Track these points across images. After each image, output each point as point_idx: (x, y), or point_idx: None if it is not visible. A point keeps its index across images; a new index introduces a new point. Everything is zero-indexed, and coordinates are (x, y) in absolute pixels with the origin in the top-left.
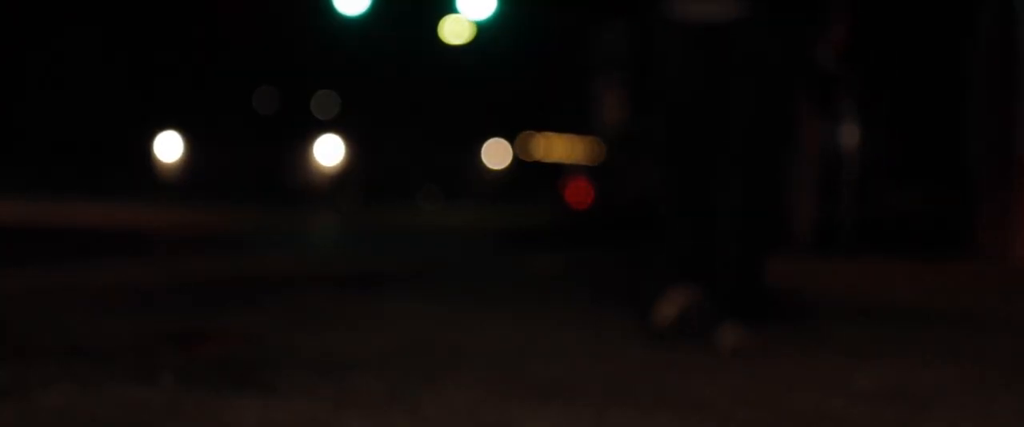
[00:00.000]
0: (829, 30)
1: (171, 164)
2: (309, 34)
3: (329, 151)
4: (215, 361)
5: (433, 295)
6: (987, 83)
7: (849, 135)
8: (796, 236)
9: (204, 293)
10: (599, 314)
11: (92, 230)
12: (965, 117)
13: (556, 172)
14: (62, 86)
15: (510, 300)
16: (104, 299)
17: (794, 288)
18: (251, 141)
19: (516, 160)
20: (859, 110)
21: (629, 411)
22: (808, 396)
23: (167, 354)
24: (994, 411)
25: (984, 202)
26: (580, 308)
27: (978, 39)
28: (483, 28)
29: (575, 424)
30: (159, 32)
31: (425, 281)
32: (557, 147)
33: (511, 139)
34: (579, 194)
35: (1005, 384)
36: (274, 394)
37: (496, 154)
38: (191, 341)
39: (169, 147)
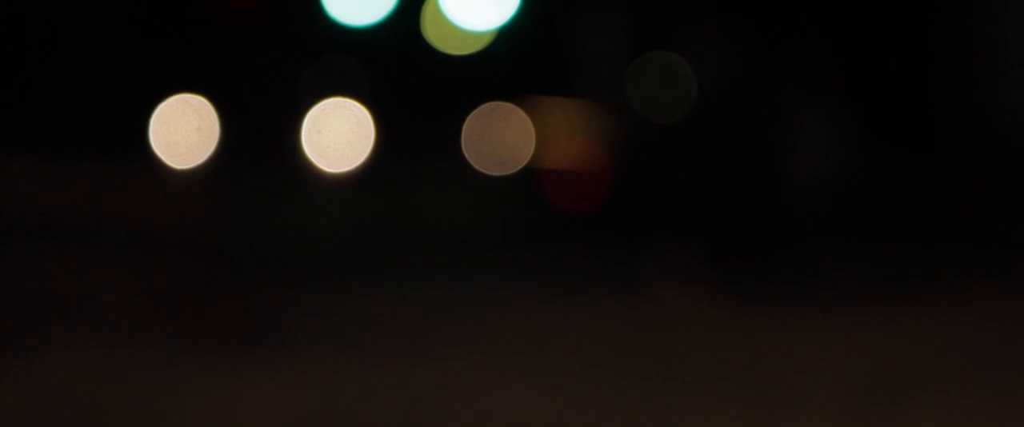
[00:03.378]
0: (809, 50)
1: (180, 150)
2: (314, 34)
3: (339, 133)
4: (227, 338)
5: (440, 280)
6: (962, 67)
7: (838, 129)
8: (796, 219)
9: (214, 279)
10: (604, 287)
11: (102, 218)
12: (946, 101)
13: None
14: (67, 84)
15: (516, 285)
16: (118, 281)
17: (794, 262)
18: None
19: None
20: (846, 106)
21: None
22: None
23: (180, 327)
24: (966, 379)
25: (963, 183)
26: (584, 288)
27: (947, 30)
28: (491, 33)
29: (563, 382)
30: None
31: (431, 267)
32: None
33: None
34: (581, 191)
35: (978, 357)
36: (278, 361)
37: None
38: (204, 321)
39: (179, 135)
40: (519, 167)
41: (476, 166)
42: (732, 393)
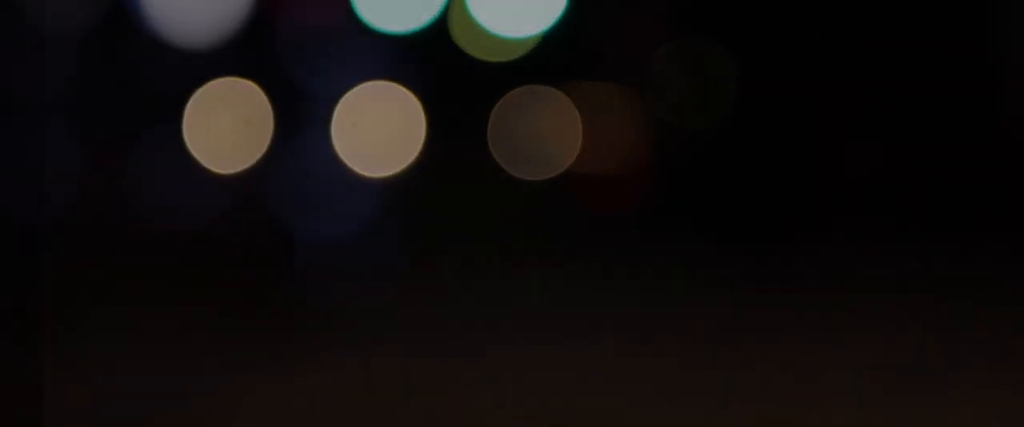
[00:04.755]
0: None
1: (224, 150)
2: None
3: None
4: (271, 336)
5: (480, 277)
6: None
7: (868, 124)
8: (835, 207)
9: (244, 273)
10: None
11: (125, 213)
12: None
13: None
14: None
15: (557, 282)
16: (153, 282)
17: (819, 254)
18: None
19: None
20: (889, 104)
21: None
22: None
23: (221, 326)
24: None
25: (987, 178)
26: (619, 285)
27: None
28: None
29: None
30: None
31: (470, 264)
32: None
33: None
34: (608, 189)
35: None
36: (321, 359)
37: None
38: (246, 319)
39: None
40: (556, 166)
41: (505, 166)
42: (766, 385)
